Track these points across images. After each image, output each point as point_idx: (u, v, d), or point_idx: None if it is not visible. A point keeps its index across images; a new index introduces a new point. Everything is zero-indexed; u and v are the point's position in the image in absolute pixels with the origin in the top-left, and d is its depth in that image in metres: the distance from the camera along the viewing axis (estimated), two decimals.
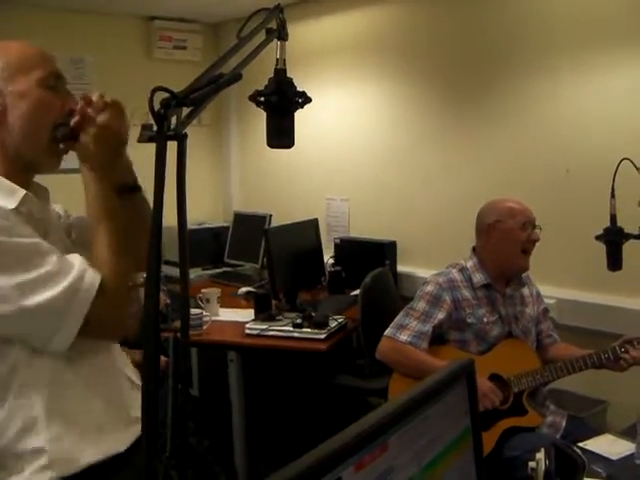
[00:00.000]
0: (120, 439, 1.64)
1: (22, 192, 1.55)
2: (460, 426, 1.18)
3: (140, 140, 1.19)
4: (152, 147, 1.24)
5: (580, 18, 3.60)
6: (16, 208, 1.51)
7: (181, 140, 1.17)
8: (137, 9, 5.40)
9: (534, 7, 3.81)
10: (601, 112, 3.57)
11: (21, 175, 1.60)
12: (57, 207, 1.81)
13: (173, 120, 1.20)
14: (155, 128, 1.17)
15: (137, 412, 1.74)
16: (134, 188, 1.69)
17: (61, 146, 1.60)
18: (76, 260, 1.51)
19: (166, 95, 1.19)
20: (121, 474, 1.62)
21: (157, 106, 1.17)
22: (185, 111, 1.24)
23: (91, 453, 1.57)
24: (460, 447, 1.17)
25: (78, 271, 1.48)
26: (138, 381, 1.81)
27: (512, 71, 3.94)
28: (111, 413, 1.65)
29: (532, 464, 2.00)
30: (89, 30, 5.16)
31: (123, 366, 1.78)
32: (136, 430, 1.68)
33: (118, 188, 1.63)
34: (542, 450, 2.00)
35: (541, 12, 3.77)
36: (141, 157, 1.71)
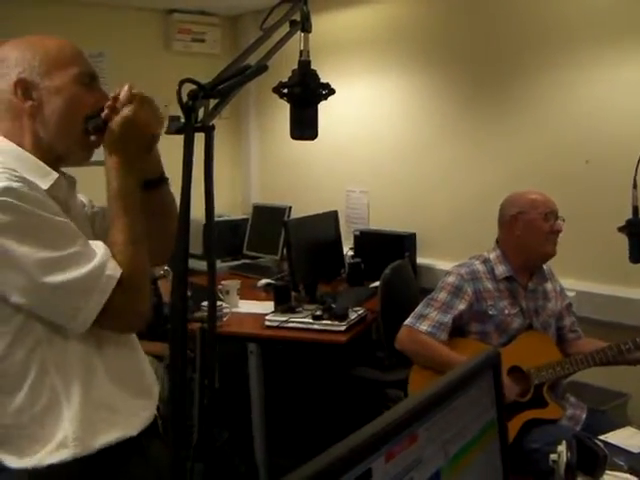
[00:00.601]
0: (132, 423, 1.66)
1: (55, 175, 1.58)
2: (486, 417, 1.18)
3: (168, 132, 1.20)
4: (174, 138, 1.25)
5: (599, 10, 3.59)
6: (47, 190, 1.53)
7: (209, 132, 1.18)
8: (156, 2, 5.41)
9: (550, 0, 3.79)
10: (621, 103, 3.55)
11: (52, 165, 1.62)
12: (82, 197, 1.84)
13: (200, 112, 1.21)
14: (182, 120, 1.17)
15: (150, 397, 1.76)
16: (160, 181, 1.71)
17: (92, 138, 1.62)
18: (100, 248, 1.52)
19: (192, 87, 1.20)
20: (132, 461, 1.65)
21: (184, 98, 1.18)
22: (212, 103, 1.24)
23: (105, 435, 1.59)
24: (486, 438, 1.17)
25: (101, 257, 1.49)
26: (152, 371, 1.84)
27: (531, 63, 3.93)
28: (125, 397, 1.66)
29: (554, 456, 2.00)
30: (108, 24, 5.17)
31: (142, 354, 1.81)
32: (149, 415, 1.73)
33: (145, 183, 1.65)
34: (564, 442, 2.00)
35: (558, 5, 3.76)
36: (165, 148, 1.73)
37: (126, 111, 1.55)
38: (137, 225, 1.57)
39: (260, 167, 6.07)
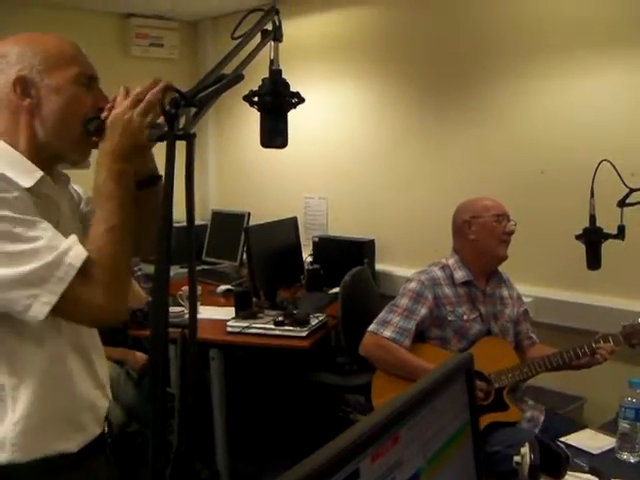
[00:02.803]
0: (75, 439, 1.65)
1: (39, 173, 1.56)
2: (460, 419, 1.21)
3: (149, 139, 1.21)
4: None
5: (558, 20, 3.65)
6: (30, 188, 1.53)
7: (190, 139, 1.19)
8: (113, 6, 5.38)
9: (512, 9, 3.86)
10: (577, 114, 3.63)
11: (46, 162, 1.61)
12: (78, 191, 1.84)
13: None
14: (165, 127, 1.19)
15: (98, 413, 1.74)
16: (155, 179, 1.71)
17: (93, 139, 1.61)
18: (69, 239, 1.48)
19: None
20: (68, 476, 1.63)
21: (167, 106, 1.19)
22: (191, 111, 1.26)
23: (46, 446, 1.58)
24: (460, 439, 1.20)
25: (64, 248, 1.45)
26: (107, 385, 1.83)
27: (489, 73, 4.00)
28: (75, 410, 1.65)
29: (517, 458, 2.04)
30: (64, 27, 5.10)
31: (101, 366, 1.79)
32: (95, 432, 1.71)
33: (140, 182, 1.64)
34: (527, 444, 2.04)
35: (519, 14, 3.82)
36: None
37: (116, 110, 1.52)
38: (117, 215, 1.52)
39: (218, 173, 6.07)
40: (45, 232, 1.46)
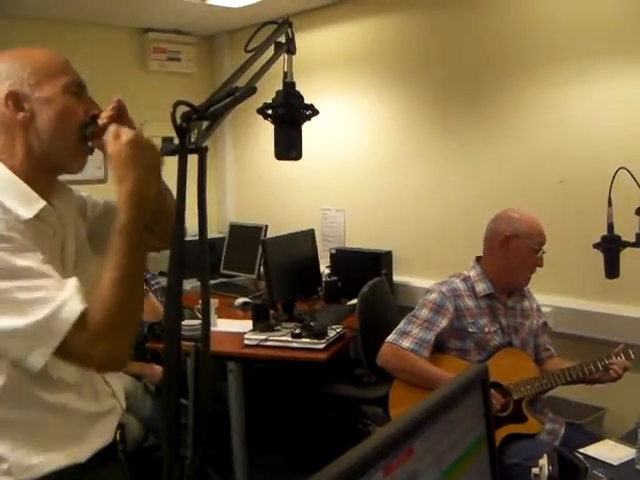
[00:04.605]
0: (82, 450, 1.64)
1: (42, 204, 1.56)
2: (476, 431, 1.20)
3: (161, 153, 1.21)
4: (165, 159, 1.27)
5: (572, 29, 3.64)
6: (32, 218, 1.53)
7: (202, 153, 1.19)
8: (131, 21, 5.43)
9: (526, 19, 3.85)
10: (594, 122, 3.60)
11: (45, 175, 1.63)
12: (83, 193, 1.86)
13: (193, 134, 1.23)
14: (176, 141, 1.19)
15: (108, 420, 1.74)
16: None
17: (89, 144, 1.63)
18: (66, 288, 1.45)
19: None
20: None
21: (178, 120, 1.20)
22: (204, 125, 1.26)
23: (50, 462, 1.58)
24: (476, 452, 1.19)
25: (61, 300, 1.42)
26: (122, 397, 1.83)
27: (506, 82, 3.98)
28: (76, 426, 1.65)
29: (535, 470, 2.02)
30: (83, 42, 5.16)
31: (109, 377, 1.79)
32: (105, 439, 1.71)
33: None
34: (545, 456, 2.03)
35: (534, 24, 3.81)
36: None
37: (129, 133, 1.53)
38: (130, 265, 1.49)
39: (236, 186, 6.09)
40: (42, 281, 1.44)
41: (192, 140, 1.21)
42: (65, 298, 1.43)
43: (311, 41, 5.03)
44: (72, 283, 1.46)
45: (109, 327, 1.45)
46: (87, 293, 1.47)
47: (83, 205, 1.85)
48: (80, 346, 1.44)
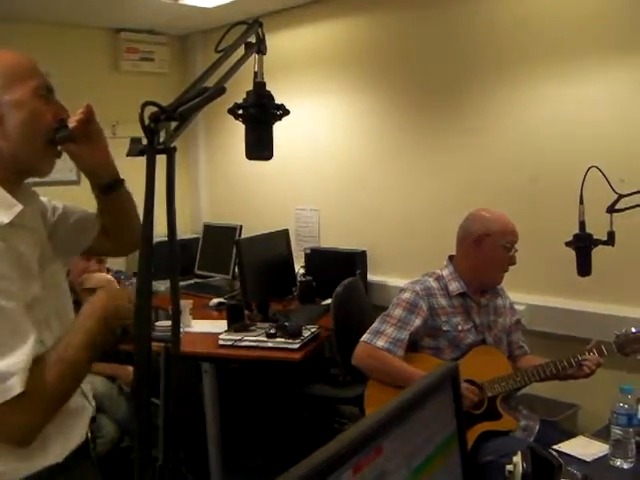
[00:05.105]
0: (57, 451, 1.64)
1: (18, 207, 1.55)
2: (447, 430, 1.21)
3: (129, 154, 1.21)
4: (134, 160, 1.26)
5: (546, 29, 3.66)
6: (10, 222, 1.52)
7: (170, 153, 1.19)
8: (103, 21, 5.38)
9: (501, 19, 3.87)
10: (565, 121, 3.62)
11: (13, 178, 1.62)
12: (43, 199, 1.84)
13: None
14: (144, 142, 1.18)
15: (80, 418, 1.74)
16: (116, 184, 1.75)
17: (59, 149, 1.63)
18: (19, 360, 1.43)
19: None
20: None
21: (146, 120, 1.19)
22: (172, 125, 1.26)
23: (29, 465, 1.57)
24: (447, 450, 1.20)
25: (4, 371, 1.41)
26: (90, 396, 1.83)
27: (477, 82, 4.00)
28: (52, 425, 1.61)
29: (509, 467, 2.03)
30: (54, 42, 5.12)
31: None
32: (78, 438, 1.71)
33: (103, 187, 1.70)
34: (519, 453, 2.04)
35: (509, 24, 3.83)
36: (126, 170, 1.75)
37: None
38: (83, 352, 1.53)
39: (210, 186, 6.07)
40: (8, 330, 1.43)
41: (161, 141, 1.20)
42: (13, 371, 1.41)
43: (283, 41, 5.02)
44: (24, 353, 1.44)
45: (40, 407, 1.47)
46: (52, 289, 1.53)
47: (44, 209, 1.84)
48: (6, 419, 1.43)
